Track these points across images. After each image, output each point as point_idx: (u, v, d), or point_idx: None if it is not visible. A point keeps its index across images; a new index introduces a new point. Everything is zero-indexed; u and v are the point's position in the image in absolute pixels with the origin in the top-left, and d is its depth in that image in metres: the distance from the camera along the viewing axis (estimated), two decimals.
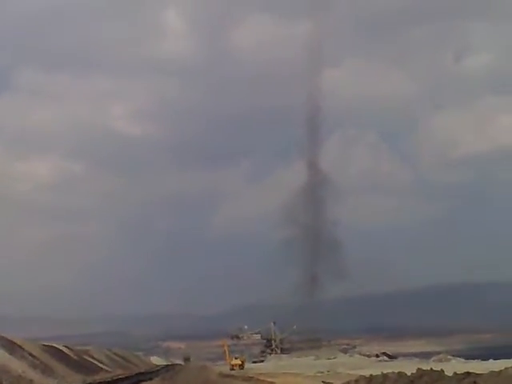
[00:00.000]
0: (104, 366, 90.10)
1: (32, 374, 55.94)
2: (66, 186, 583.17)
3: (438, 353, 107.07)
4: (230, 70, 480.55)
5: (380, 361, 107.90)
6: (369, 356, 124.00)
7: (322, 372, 67.77)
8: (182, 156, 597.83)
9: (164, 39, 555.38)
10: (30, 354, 63.17)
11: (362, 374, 41.95)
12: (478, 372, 28.16)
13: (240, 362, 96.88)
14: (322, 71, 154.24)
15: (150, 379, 69.77)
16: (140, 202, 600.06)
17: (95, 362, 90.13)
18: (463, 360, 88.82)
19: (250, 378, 62.66)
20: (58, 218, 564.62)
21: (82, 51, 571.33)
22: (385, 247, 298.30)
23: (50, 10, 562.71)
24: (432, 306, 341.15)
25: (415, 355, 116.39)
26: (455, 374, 28.18)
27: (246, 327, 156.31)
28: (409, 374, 31.20)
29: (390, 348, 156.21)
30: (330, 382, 50.65)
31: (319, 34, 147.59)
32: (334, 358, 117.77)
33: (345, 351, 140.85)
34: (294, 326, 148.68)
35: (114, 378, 68.18)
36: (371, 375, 35.62)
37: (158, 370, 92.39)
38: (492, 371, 26.82)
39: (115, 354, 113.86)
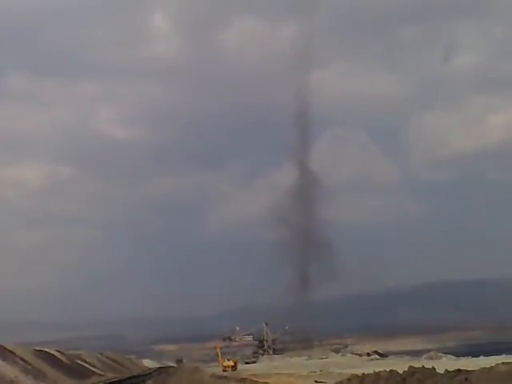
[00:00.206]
0: (96, 370, 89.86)
1: (24, 379, 55.80)
2: (55, 189, 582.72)
3: (429, 350, 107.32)
4: (217, 72, 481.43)
5: (372, 359, 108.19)
6: (360, 355, 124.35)
7: (314, 372, 67.92)
8: (170, 159, 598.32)
9: (151, 42, 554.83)
10: (22, 359, 62.91)
11: (354, 373, 42.08)
12: (468, 369, 28.36)
13: (233, 364, 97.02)
14: (310, 72, 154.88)
15: (143, 382, 69.78)
16: (129, 206, 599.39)
17: (87, 366, 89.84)
18: (454, 357, 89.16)
19: (244, 379, 62.68)
20: (46, 221, 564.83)
21: (69, 55, 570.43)
22: (375, 246, 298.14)
23: (37, 15, 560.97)
24: (422, 304, 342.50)
25: (406, 353, 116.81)
26: (446, 371, 28.38)
27: (238, 328, 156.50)
28: (400, 371, 31.40)
29: (382, 346, 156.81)
30: (323, 381, 50.82)
31: (307, 35, 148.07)
32: (326, 358, 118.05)
33: (337, 351, 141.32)
34: (286, 327, 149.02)
35: (107, 381, 68.18)
36: (364, 374, 35.81)
37: (150, 373, 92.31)
38: (483, 368, 27.01)
39: (107, 357, 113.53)
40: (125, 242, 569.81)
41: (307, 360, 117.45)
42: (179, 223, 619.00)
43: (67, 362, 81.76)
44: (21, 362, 61.57)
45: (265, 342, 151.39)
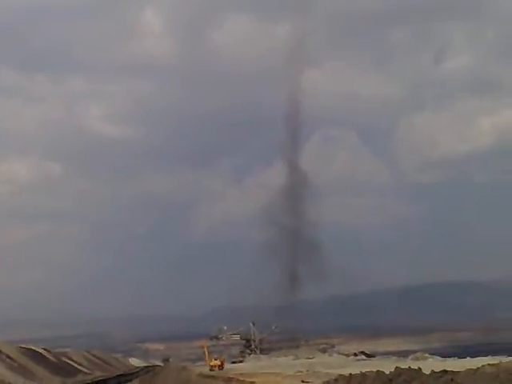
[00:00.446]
0: (83, 368, 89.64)
1: (11, 376, 55.59)
2: (43, 186, 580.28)
3: (416, 351, 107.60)
4: (208, 70, 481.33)
5: (358, 360, 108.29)
6: (347, 355, 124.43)
7: (301, 371, 68.03)
8: (160, 157, 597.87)
9: (141, 39, 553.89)
10: (8, 357, 62.71)
11: (340, 373, 42.23)
12: (455, 370, 28.60)
13: (219, 363, 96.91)
14: (302, 72, 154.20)
15: (130, 381, 69.84)
16: (117, 203, 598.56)
17: (74, 364, 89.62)
18: (440, 358, 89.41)
19: (230, 379, 62.74)
20: (33, 218, 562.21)
21: (59, 52, 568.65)
22: (363, 247, 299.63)
23: (27, 11, 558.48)
24: (409, 305, 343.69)
25: (393, 354, 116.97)
26: (433, 372, 28.61)
27: (225, 328, 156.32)
28: (387, 372, 31.59)
29: (369, 347, 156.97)
30: (310, 381, 50.94)
31: (300, 35, 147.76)
32: (313, 358, 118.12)
33: (324, 351, 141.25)
34: (274, 327, 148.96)
35: (94, 380, 68.04)
36: (350, 374, 35.97)
37: (137, 372, 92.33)
38: (469, 369, 27.27)
39: (94, 355, 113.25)
40: (113, 240, 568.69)
41: (294, 360, 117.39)
42: (168, 222, 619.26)
43: (54, 359, 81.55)
44: (7, 360, 61.38)
45: (252, 342, 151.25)
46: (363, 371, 35.06)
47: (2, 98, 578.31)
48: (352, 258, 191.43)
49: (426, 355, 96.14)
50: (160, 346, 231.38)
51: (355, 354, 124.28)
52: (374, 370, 34.17)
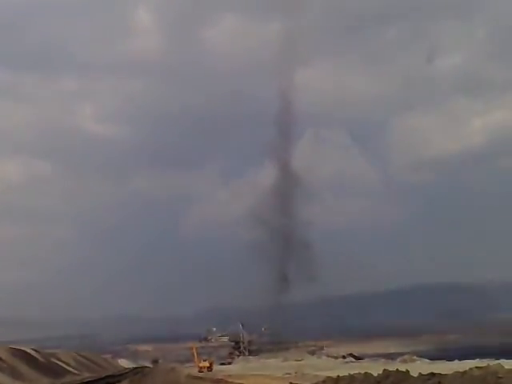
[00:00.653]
0: (72, 369, 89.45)
1: (0, 377, 55.51)
2: (34, 186, 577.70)
3: (404, 354, 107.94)
4: (199, 69, 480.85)
5: (347, 362, 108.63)
6: (336, 357, 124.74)
7: (289, 373, 68.31)
8: (151, 157, 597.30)
9: (132, 37, 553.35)
10: None
11: (329, 375, 42.47)
12: (442, 373, 28.81)
13: (208, 365, 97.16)
14: (293, 71, 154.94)
15: (118, 382, 69.55)
16: (105, 203, 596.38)
17: (63, 365, 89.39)
18: (428, 361, 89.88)
19: (219, 380, 62.85)
20: (19, 217, 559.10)
21: (50, 51, 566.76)
22: (352, 248, 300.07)
23: (17, 11, 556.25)
24: (397, 307, 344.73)
25: (381, 356, 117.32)
26: (420, 374, 28.82)
27: (214, 329, 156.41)
28: (375, 374, 31.82)
29: (357, 349, 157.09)
30: (298, 383, 51.16)
31: (291, 33, 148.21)
32: (302, 360, 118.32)
33: (312, 353, 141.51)
34: (263, 328, 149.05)
35: (82, 381, 67.93)
36: (338, 376, 36.22)
37: (126, 373, 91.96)
38: (456, 372, 27.49)
39: (83, 356, 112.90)
40: (100, 240, 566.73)
41: (283, 362, 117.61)
42: (156, 221, 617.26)
43: (43, 360, 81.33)
44: None
45: (241, 343, 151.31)
46: (351, 373, 35.30)
47: None
48: (341, 260, 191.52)
49: (414, 358, 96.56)
50: (149, 348, 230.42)
51: (344, 357, 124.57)
52: (362, 372, 34.41)
